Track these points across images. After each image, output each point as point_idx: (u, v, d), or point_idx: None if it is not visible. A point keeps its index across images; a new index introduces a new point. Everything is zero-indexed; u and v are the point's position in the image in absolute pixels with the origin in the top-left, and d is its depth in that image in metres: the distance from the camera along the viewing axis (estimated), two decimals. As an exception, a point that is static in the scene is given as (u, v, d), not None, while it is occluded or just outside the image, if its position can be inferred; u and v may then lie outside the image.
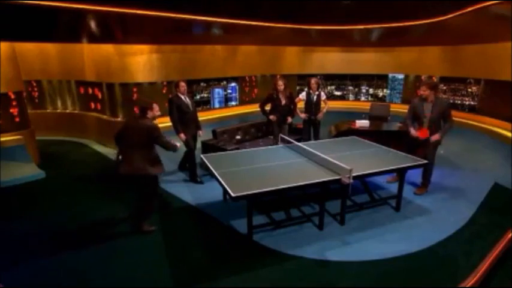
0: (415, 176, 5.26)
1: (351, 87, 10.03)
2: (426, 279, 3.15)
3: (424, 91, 4.52)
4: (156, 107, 3.82)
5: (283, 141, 5.25)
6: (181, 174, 5.86)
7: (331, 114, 7.30)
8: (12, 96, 6.23)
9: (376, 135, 6.16)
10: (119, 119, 7.44)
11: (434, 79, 8.34)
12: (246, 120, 7.65)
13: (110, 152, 7.36)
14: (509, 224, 3.83)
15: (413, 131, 4.72)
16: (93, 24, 5.32)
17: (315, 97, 6.22)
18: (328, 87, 10.19)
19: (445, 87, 8.31)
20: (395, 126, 6.64)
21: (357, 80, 9.89)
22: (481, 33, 6.41)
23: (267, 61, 9.42)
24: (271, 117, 5.93)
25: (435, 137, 4.58)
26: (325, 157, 4.12)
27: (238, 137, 6.61)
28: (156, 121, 3.90)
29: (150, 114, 3.76)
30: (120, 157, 3.80)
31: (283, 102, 5.87)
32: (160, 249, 3.63)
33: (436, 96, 4.60)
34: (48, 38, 7.09)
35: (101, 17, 4.88)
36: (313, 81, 6.20)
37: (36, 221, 4.33)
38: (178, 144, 3.97)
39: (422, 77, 8.63)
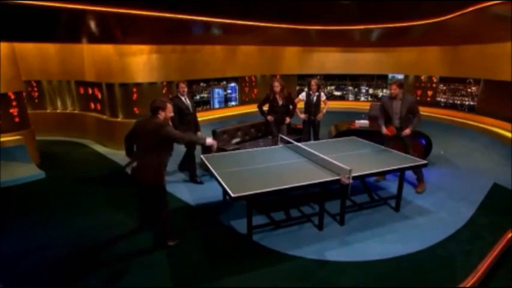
0: (411, 176, 5.27)
1: (350, 88, 10.03)
2: (426, 279, 3.15)
3: (394, 90, 4.84)
4: (170, 107, 3.44)
5: (283, 141, 5.25)
6: (181, 174, 5.86)
7: (331, 114, 7.30)
8: (12, 97, 6.23)
9: (376, 135, 6.15)
10: (119, 119, 7.44)
11: (423, 78, 8.62)
12: (245, 121, 7.64)
13: (109, 152, 7.37)
14: (508, 224, 3.83)
15: (384, 130, 5.08)
16: (92, 25, 5.32)
17: (314, 98, 6.22)
18: (328, 88, 10.19)
19: (444, 88, 8.31)
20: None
21: (356, 80, 9.89)
22: (481, 33, 6.41)
23: (267, 61, 9.42)
24: (269, 117, 5.94)
25: (406, 132, 4.84)
26: (325, 157, 4.12)
27: (236, 139, 6.60)
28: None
29: (162, 115, 3.38)
30: (133, 164, 3.42)
31: (280, 103, 5.87)
32: (160, 249, 3.62)
33: (403, 94, 4.91)
34: (48, 38, 7.09)
35: (101, 17, 4.88)
36: (313, 82, 6.21)
37: (36, 221, 4.33)
38: (209, 141, 3.54)
39: (422, 78, 8.65)
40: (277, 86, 5.78)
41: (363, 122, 6.69)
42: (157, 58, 7.26)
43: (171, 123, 4.12)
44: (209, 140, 3.54)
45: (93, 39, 6.88)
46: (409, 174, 5.31)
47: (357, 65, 9.59)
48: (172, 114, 3.56)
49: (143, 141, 3.37)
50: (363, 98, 9.94)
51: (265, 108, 6.13)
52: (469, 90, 7.72)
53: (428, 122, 7.22)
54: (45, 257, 3.55)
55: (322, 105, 6.33)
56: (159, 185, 3.45)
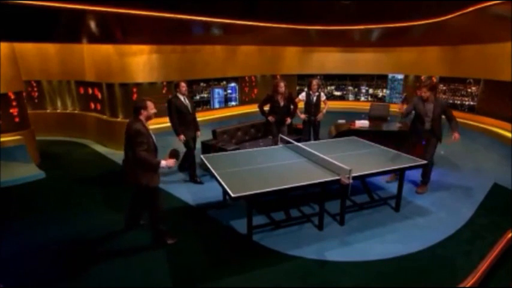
0: (415, 175, 5.27)
1: (350, 88, 10.03)
2: (426, 279, 3.15)
3: (425, 93, 4.67)
4: (150, 104, 3.42)
5: (283, 141, 5.25)
6: (181, 174, 5.86)
7: (331, 114, 7.30)
8: (12, 97, 6.23)
9: (376, 135, 6.16)
10: (119, 119, 7.44)
11: (434, 79, 8.38)
12: (245, 121, 7.64)
13: (109, 152, 7.37)
14: (508, 224, 3.83)
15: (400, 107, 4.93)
16: (92, 25, 5.32)
17: (314, 98, 6.22)
18: (328, 88, 10.19)
19: (444, 88, 8.31)
20: (395, 126, 6.64)
21: (356, 80, 9.90)
22: (481, 33, 6.41)
23: (267, 61, 9.42)
24: (270, 118, 5.94)
25: (457, 137, 4.68)
26: (325, 157, 4.12)
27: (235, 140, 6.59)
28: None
29: (144, 114, 3.38)
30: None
31: (282, 103, 5.86)
32: (160, 249, 3.62)
33: (435, 97, 4.77)
34: (47, 38, 7.09)
35: (101, 17, 4.88)
36: (314, 82, 6.21)
37: (36, 221, 4.33)
38: (163, 163, 3.37)
39: (422, 77, 8.64)
40: (282, 86, 5.76)
41: (363, 122, 6.69)
42: (157, 58, 7.26)
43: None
44: (163, 164, 3.39)
45: (93, 39, 6.88)
46: (411, 173, 5.31)
47: (357, 65, 9.59)
48: (154, 110, 3.50)
49: (126, 144, 3.41)
50: (363, 98, 9.94)
51: (266, 108, 6.12)
52: (469, 90, 7.72)
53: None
54: (45, 256, 3.55)
55: (322, 105, 6.33)
56: (148, 187, 3.45)
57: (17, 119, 6.31)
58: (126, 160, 3.49)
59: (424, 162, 4.33)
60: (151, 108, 3.44)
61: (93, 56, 7.46)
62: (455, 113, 7.74)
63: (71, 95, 8.53)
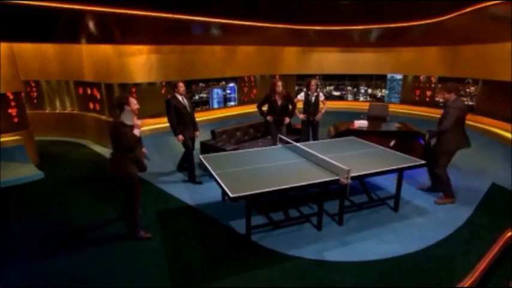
0: (415, 175, 5.27)
1: (349, 88, 10.04)
2: (424, 279, 3.16)
3: (442, 95, 4.58)
4: (133, 100, 3.63)
5: (282, 141, 5.25)
6: (180, 174, 5.86)
7: (330, 114, 7.30)
8: (11, 97, 6.23)
9: (375, 135, 6.16)
10: (118, 119, 7.43)
11: (422, 78, 8.40)
12: (245, 121, 7.63)
13: (108, 152, 7.32)
14: (507, 224, 3.83)
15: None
16: (91, 25, 5.31)
17: (313, 98, 6.23)
18: (327, 88, 10.19)
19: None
20: (394, 126, 6.64)
21: (355, 80, 9.90)
22: (480, 33, 6.42)
23: (266, 61, 9.42)
24: (268, 118, 5.94)
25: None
26: (324, 157, 4.12)
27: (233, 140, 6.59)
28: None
29: (127, 109, 3.60)
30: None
31: (279, 103, 5.86)
32: (159, 250, 3.63)
33: (451, 102, 4.50)
34: (46, 39, 7.08)
35: (100, 18, 4.88)
36: (313, 82, 6.21)
37: (35, 222, 4.33)
38: (137, 131, 3.65)
39: (421, 77, 8.66)
40: (279, 85, 5.77)
41: (362, 123, 6.69)
42: (156, 58, 7.25)
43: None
44: (136, 131, 3.66)
45: (92, 39, 6.87)
46: (411, 173, 5.30)
47: (356, 65, 9.60)
48: (137, 106, 3.69)
49: (110, 137, 3.64)
50: (362, 98, 9.95)
51: (264, 108, 6.12)
52: (467, 90, 7.73)
53: (428, 122, 7.22)
54: (44, 257, 3.55)
55: (321, 105, 6.33)
56: (126, 177, 3.68)
57: (15, 119, 6.30)
58: (113, 153, 3.72)
59: (422, 162, 4.31)
60: (133, 104, 3.64)
61: (92, 56, 7.45)
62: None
63: (69, 95, 8.52)
